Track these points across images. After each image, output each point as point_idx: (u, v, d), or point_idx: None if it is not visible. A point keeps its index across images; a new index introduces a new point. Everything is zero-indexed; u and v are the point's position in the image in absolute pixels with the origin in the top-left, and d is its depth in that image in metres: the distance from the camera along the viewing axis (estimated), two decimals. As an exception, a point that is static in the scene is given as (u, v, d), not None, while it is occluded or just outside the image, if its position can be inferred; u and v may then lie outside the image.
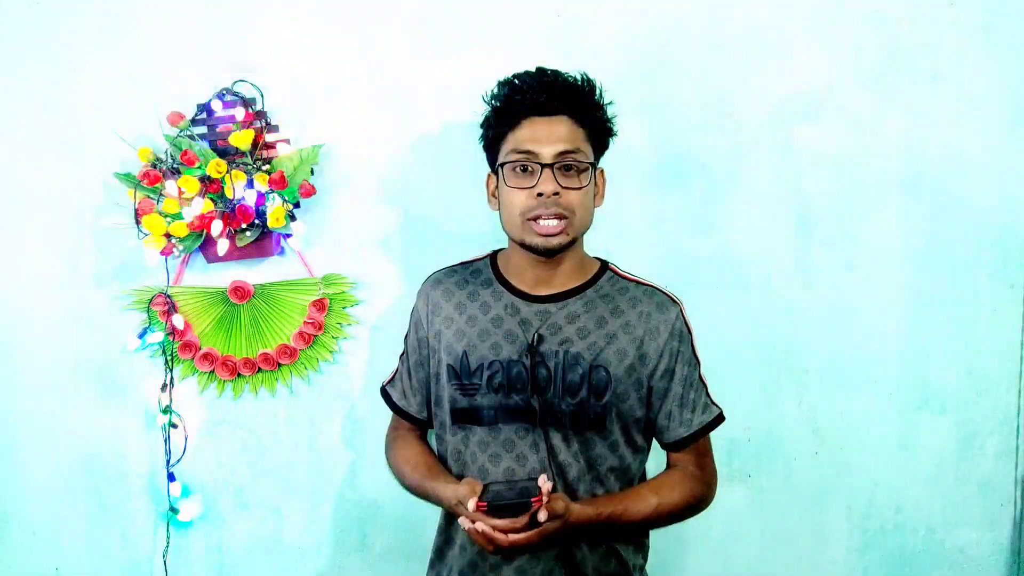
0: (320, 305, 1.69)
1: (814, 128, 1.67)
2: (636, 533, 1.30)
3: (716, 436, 1.74)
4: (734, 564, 1.75)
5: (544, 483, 1.10)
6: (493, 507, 1.09)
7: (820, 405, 1.72)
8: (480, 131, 1.30)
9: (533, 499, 1.08)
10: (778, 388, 1.72)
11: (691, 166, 1.68)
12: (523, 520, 1.08)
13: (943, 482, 1.74)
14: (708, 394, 1.31)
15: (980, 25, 1.65)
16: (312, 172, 1.66)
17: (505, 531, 1.08)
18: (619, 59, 1.65)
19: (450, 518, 1.30)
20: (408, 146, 1.68)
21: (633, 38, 1.65)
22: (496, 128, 1.25)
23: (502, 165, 1.23)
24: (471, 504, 1.10)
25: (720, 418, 1.32)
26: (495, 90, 1.26)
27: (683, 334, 1.28)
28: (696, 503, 1.27)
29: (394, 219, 1.70)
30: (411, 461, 1.33)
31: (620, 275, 1.31)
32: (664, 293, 1.30)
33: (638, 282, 1.31)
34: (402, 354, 1.40)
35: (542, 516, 1.08)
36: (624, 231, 1.67)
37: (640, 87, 1.65)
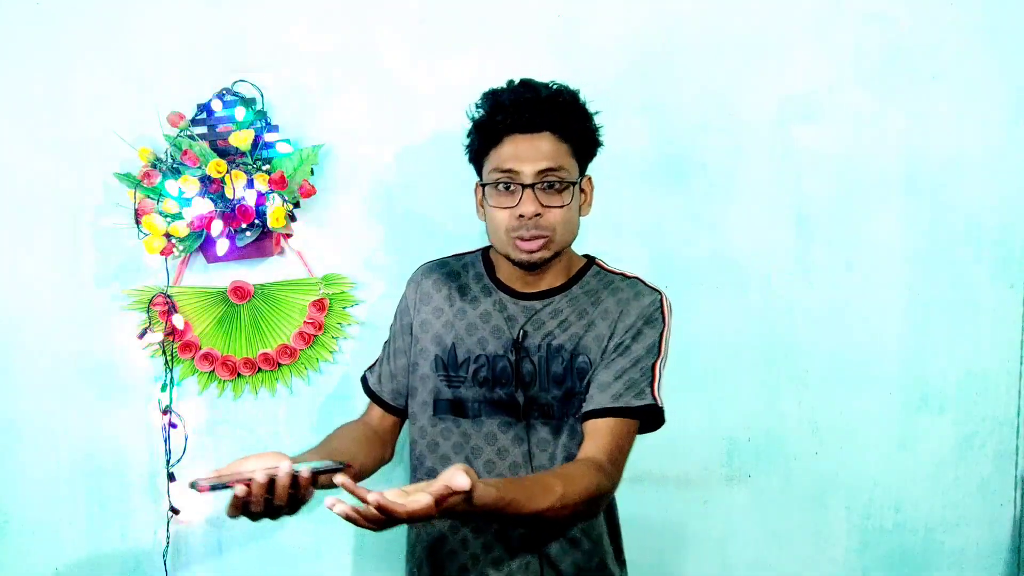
0: (320, 305, 1.69)
1: (814, 128, 1.67)
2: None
3: (716, 436, 1.75)
4: (734, 564, 1.75)
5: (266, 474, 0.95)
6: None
7: (820, 405, 1.72)
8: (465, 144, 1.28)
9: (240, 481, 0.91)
10: (778, 388, 1.71)
11: (691, 166, 1.68)
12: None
13: (942, 482, 1.74)
14: (654, 386, 1.19)
15: (980, 25, 1.65)
16: (312, 172, 1.66)
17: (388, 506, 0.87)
18: (619, 59, 1.65)
19: None
20: (408, 146, 1.68)
21: (633, 38, 1.65)
22: (479, 144, 1.23)
23: (484, 185, 1.23)
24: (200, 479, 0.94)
25: (653, 412, 1.19)
26: (478, 102, 1.23)
27: (653, 319, 1.22)
28: (599, 497, 1.10)
29: (394, 219, 1.70)
30: (326, 440, 1.26)
31: (606, 269, 1.31)
32: (647, 284, 1.27)
33: (624, 275, 1.29)
34: (386, 341, 1.40)
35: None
36: (623, 231, 1.67)
37: (640, 87, 1.65)
